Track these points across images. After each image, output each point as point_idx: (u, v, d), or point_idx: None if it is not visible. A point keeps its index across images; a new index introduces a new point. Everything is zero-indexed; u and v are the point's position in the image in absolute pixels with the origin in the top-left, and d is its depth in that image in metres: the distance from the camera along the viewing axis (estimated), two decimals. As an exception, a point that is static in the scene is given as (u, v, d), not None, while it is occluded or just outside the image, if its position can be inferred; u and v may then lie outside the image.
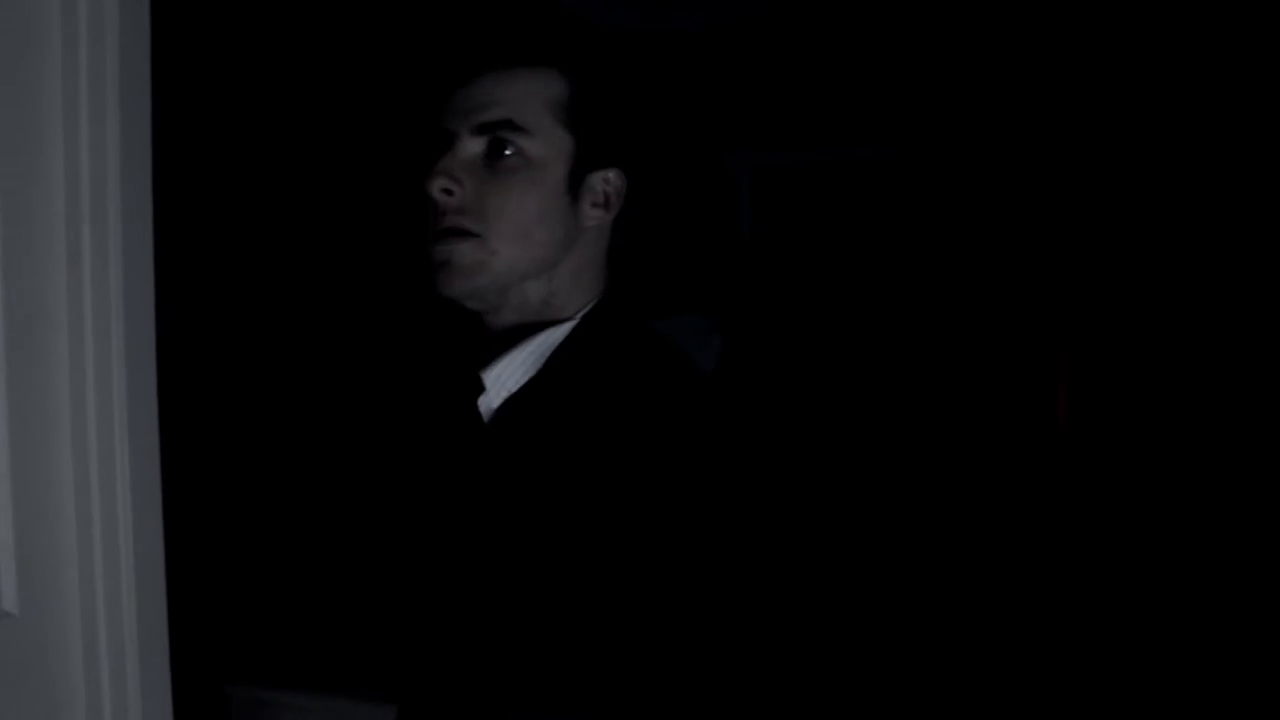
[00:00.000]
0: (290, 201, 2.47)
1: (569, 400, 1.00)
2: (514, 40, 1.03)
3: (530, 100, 1.00)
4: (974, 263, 3.81)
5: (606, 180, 1.04)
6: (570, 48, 1.04)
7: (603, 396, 0.99)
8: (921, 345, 3.82)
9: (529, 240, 1.00)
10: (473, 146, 1.01)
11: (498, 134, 0.99)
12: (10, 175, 0.97)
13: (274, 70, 2.41)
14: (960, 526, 3.67)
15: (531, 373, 1.02)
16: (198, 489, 2.06)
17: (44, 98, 1.04)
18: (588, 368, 1.01)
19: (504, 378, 1.02)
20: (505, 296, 1.02)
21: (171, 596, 1.89)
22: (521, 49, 1.03)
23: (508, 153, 1.00)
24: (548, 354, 1.02)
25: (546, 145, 1.00)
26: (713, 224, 4.34)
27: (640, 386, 1.00)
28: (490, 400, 1.02)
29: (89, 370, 1.01)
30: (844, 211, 4.20)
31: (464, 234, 1.00)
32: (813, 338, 4.19)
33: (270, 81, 2.40)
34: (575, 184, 1.02)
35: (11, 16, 1.02)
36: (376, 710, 2.00)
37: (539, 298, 1.03)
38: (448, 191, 1.00)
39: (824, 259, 4.24)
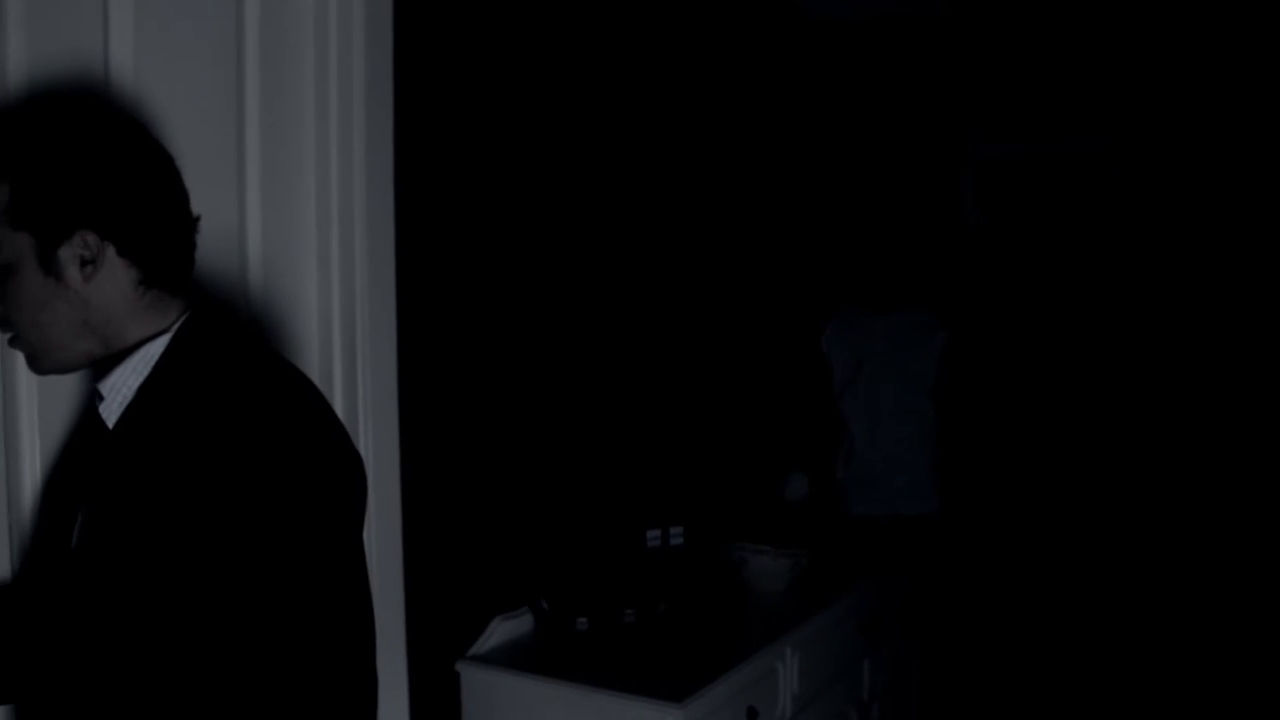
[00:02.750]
0: None
1: (165, 402, 1.16)
2: None
3: None
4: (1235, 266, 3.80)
5: (75, 244, 1.15)
6: (6, 154, 1.16)
7: (180, 404, 1.14)
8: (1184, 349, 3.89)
9: (42, 325, 1.18)
10: None
11: None
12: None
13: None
14: (1228, 513, 3.81)
15: (142, 377, 1.18)
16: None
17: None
18: (181, 373, 1.17)
19: (118, 385, 1.18)
20: (74, 359, 1.22)
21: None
22: None
23: None
24: (153, 361, 1.19)
25: (10, 250, 1.16)
26: (938, 217, 4.22)
27: (199, 397, 1.14)
28: (109, 405, 1.18)
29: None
30: (1077, 206, 4.01)
31: (15, 339, 1.22)
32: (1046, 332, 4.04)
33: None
34: (50, 264, 1.16)
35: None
36: (607, 698, 2.01)
37: (98, 345, 1.20)
38: None
39: (1056, 254, 4.04)
